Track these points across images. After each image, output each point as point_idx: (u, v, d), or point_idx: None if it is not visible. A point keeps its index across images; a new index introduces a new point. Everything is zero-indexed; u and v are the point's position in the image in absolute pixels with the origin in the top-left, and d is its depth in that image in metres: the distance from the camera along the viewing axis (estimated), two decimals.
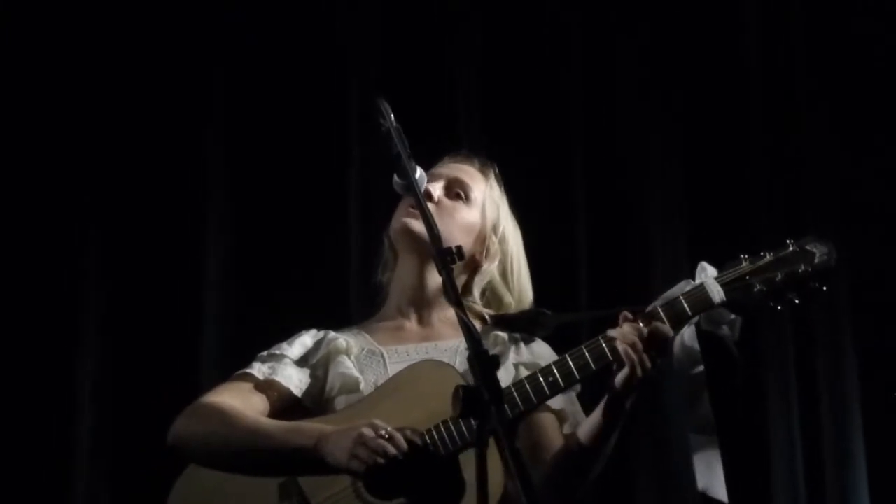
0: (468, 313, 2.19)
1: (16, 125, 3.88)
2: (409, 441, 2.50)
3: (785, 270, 2.61)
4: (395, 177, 2.50)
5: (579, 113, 3.97)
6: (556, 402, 2.72)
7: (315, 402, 2.77)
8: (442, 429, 2.54)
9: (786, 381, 3.74)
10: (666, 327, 2.56)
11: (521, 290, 2.91)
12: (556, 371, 2.58)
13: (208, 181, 3.93)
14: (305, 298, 3.68)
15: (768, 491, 3.67)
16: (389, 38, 4.00)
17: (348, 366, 2.77)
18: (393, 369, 2.76)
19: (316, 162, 3.91)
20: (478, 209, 2.89)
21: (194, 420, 2.68)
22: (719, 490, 2.66)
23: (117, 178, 3.90)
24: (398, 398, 2.64)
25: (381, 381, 2.74)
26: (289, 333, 2.88)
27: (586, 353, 2.58)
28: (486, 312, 2.86)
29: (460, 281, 2.82)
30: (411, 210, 2.81)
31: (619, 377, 2.55)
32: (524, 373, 2.70)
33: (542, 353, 2.82)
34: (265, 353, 2.83)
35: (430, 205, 2.74)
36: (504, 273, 2.89)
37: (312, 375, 2.79)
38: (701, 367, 2.68)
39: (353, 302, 3.71)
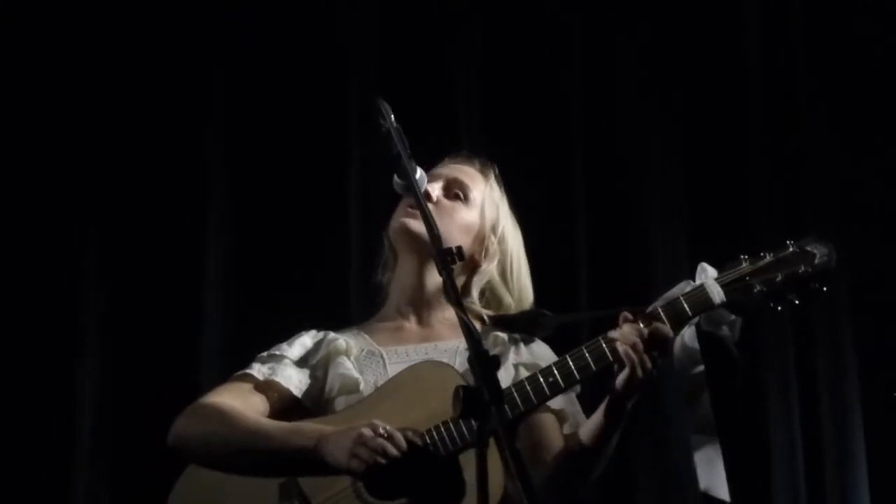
0: (468, 314, 2.20)
1: (16, 125, 3.88)
2: (409, 441, 2.50)
3: (785, 271, 2.61)
4: (396, 177, 2.50)
5: (579, 113, 3.97)
6: (556, 403, 2.72)
7: (315, 403, 2.77)
8: (442, 429, 2.54)
9: (786, 381, 3.74)
10: (666, 328, 2.56)
11: (521, 291, 2.91)
12: (556, 371, 2.58)
13: (208, 181, 3.93)
14: (305, 299, 3.68)
15: (769, 491, 3.67)
16: (389, 38, 4.00)
17: (348, 366, 2.77)
18: (392, 370, 2.76)
19: (316, 162, 3.91)
20: (477, 209, 2.89)
21: (194, 420, 2.68)
22: (721, 490, 2.66)
23: (117, 179, 3.90)
24: (398, 399, 2.64)
25: (380, 382, 2.74)
26: (289, 334, 2.88)
27: (586, 354, 2.58)
28: (485, 313, 2.86)
29: (459, 281, 2.82)
30: (410, 210, 2.81)
31: (620, 378, 2.56)
32: (524, 373, 2.70)
33: (541, 353, 2.82)
34: (265, 353, 2.83)
35: (429, 205, 2.74)
36: (503, 273, 2.89)
37: (312, 376, 2.79)
38: (701, 368, 2.68)
39: (353, 302, 3.71)
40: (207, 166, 3.94)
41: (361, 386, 2.75)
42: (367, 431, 2.47)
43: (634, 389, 2.56)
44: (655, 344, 2.54)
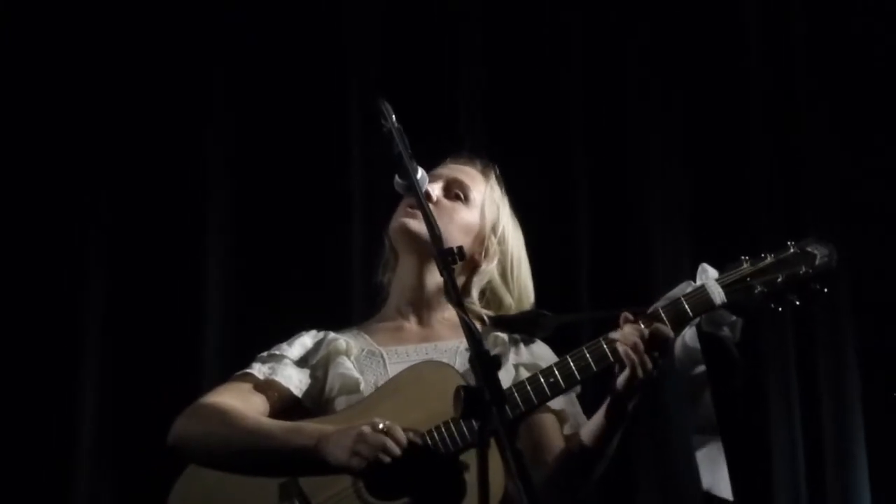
0: (468, 314, 2.20)
1: (16, 125, 3.87)
2: (409, 441, 2.50)
3: (786, 272, 2.62)
4: (397, 177, 2.50)
5: (579, 113, 3.97)
6: (556, 404, 2.73)
7: (315, 403, 2.77)
8: (443, 429, 2.54)
9: (787, 381, 3.74)
10: (667, 328, 2.56)
11: (522, 291, 2.91)
12: (556, 372, 2.58)
13: (208, 181, 3.93)
14: (306, 299, 3.68)
15: (770, 491, 3.67)
16: (389, 38, 4.00)
17: (348, 366, 2.77)
18: (393, 370, 2.76)
19: (316, 162, 3.91)
20: (477, 210, 2.89)
21: (194, 420, 2.68)
22: (724, 489, 2.66)
23: (117, 179, 3.90)
24: (398, 399, 2.64)
25: (380, 382, 2.74)
26: (289, 334, 2.88)
27: (587, 355, 2.58)
28: (486, 313, 2.86)
29: (459, 281, 2.82)
30: (410, 210, 2.82)
31: (621, 378, 2.56)
32: (524, 374, 2.71)
33: (541, 354, 2.82)
34: (265, 353, 2.84)
35: (429, 205, 2.74)
36: (504, 273, 2.89)
37: (312, 376, 2.79)
38: (703, 368, 2.69)
39: (354, 302, 3.70)
40: (207, 166, 3.94)
41: (362, 386, 2.75)
42: (367, 429, 2.48)
43: (635, 390, 2.56)
44: (656, 344, 2.55)
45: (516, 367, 2.77)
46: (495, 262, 2.88)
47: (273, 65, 3.96)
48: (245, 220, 3.90)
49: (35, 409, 3.72)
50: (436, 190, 2.86)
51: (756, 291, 2.61)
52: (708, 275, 2.65)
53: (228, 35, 3.98)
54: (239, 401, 2.71)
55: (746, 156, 3.92)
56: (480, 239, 2.87)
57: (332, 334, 2.86)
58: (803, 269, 2.62)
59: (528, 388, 2.57)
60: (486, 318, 2.84)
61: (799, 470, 3.68)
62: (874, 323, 3.74)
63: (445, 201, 2.87)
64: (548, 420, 2.75)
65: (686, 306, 2.60)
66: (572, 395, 2.80)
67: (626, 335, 2.55)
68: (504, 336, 2.81)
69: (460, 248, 2.29)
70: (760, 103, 3.95)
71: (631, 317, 2.58)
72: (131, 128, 3.92)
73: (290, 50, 3.97)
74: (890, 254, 3.74)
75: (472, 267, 2.87)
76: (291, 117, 3.93)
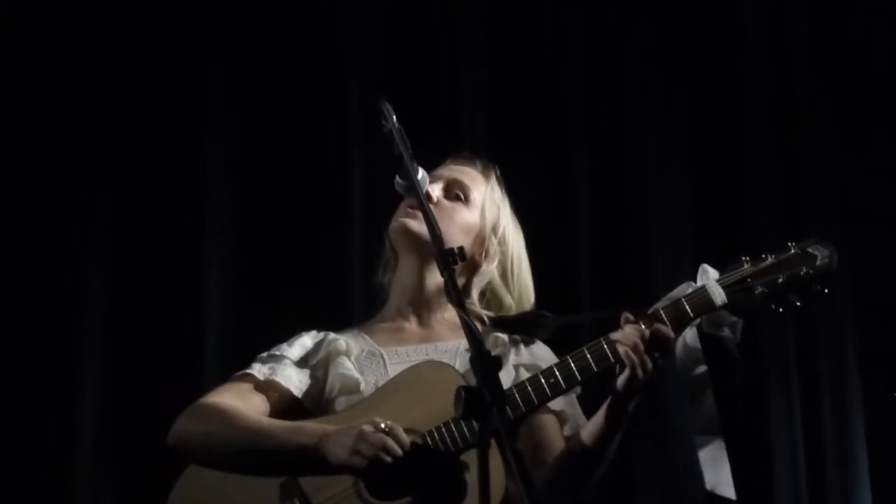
0: (469, 314, 2.20)
1: (16, 125, 3.87)
2: (410, 441, 2.50)
3: (786, 273, 2.62)
4: (397, 177, 2.50)
5: (580, 113, 3.97)
6: (556, 404, 2.73)
7: (315, 403, 2.77)
8: (443, 430, 2.54)
9: (788, 382, 3.74)
10: (667, 329, 2.56)
11: (522, 292, 2.91)
12: (557, 372, 2.58)
13: (208, 181, 3.93)
14: (306, 299, 3.68)
15: (770, 491, 3.68)
16: (389, 38, 3.99)
17: (348, 367, 2.77)
18: (393, 370, 2.76)
19: (317, 162, 3.91)
20: (477, 210, 2.89)
21: (194, 420, 2.68)
22: (727, 489, 2.66)
23: (117, 179, 3.90)
24: (399, 399, 2.64)
25: (381, 382, 2.74)
26: (290, 334, 2.88)
27: (588, 355, 2.58)
28: (486, 314, 2.86)
29: (459, 282, 2.79)
30: (410, 210, 2.82)
31: (621, 379, 2.56)
32: (524, 374, 2.71)
33: (542, 355, 2.82)
34: (265, 354, 2.84)
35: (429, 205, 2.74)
36: (504, 274, 2.89)
37: (312, 376, 2.79)
38: (704, 368, 2.69)
39: (354, 303, 3.70)
40: (207, 166, 3.94)
41: (362, 386, 2.75)
42: (368, 428, 2.48)
43: (636, 390, 2.56)
44: (657, 345, 2.54)
45: (516, 367, 2.77)
46: (496, 262, 2.87)
47: (273, 65, 3.96)
48: (245, 221, 3.90)
49: (35, 410, 3.72)
50: (436, 190, 2.86)
51: (757, 292, 2.61)
52: (708, 275, 2.66)
53: (228, 35, 3.97)
54: (239, 401, 2.71)
55: (746, 156, 3.92)
56: (481, 240, 2.87)
57: (332, 335, 2.86)
58: (804, 270, 2.62)
59: (529, 388, 2.57)
60: (486, 318, 2.84)
61: (800, 470, 3.68)
62: (874, 323, 3.74)
63: (446, 202, 2.87)
64: (548, 421, 2.75)
65: (687, 307, 2.60)
66: (572, 396, 2.80)
67: (627, 335, 2.55)
68: (504, 337, 2.81)
69: (461, 249, 2.29)
70: (760, 103, 3.95)
71: (632, 317, 2.58)
72: (131, 128, 3.91)
73: (290, 50, 3.97)
74: (890, 254, 3.74)
75: (473, 267, 2.86)
76: (291, 117, 3.93)
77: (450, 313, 2.85)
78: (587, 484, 2.68)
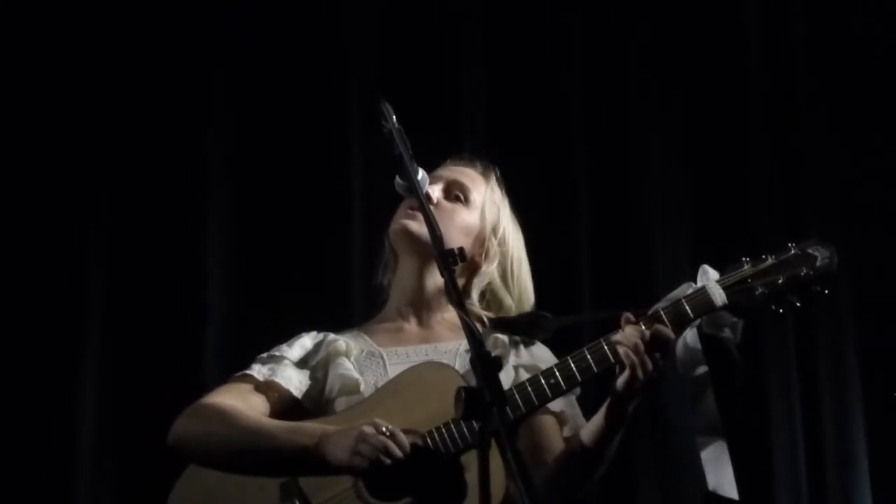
0: (469, 315, 2.20)
1: (16, 125, 3.87)
2: (410, 442, 2.50)
3: (786, 273, 2.62)
4: (397, 178, 2.50)
5: (579, 113, 3.97)
6: (556, 405, 2.73)
7: (315, 404, 2.77)
8: (444, 430, 2.54)
9: (788, 382, 3.74)
10: (668, 329, 2.56)
11: (522, 293, 2.91)
12: (557, 373, 2.58)
13: (208, 181, 3.93)
14: (306, 299, 3.68)
15: (771, 492, 3.67)
16: (389, 38, 3.99)
17: (348, 367, 2.77)
18: (393, 371, 2.76)
19: (316, 162, 3.91)
20: (477, 211, 2.89)
21: (194, 420, 2.68)
22: (730, 489, 2.66)
23: (117, 178, 3.90)
24: (399, 400, 2.64)
25: (380, 383, 2.74)
26: (290, 334, 2.88)
27: (588, 356, 2.58)
28: (486, 315, 2.86)
29: (459, 283, 2.79)
30: (410, 211, 2.82)
31: (621, 379, 2.56)
32: (524, 375, 2.71)
33: (541, 356, 2.82)
34: (265, 354, 2.84)
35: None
36: (504, 275, 2.89)
37: (312, 377, 2.79)
38: (705, 368, 2.69)
39: (354, 303, 3.70)
40: (207, 166, 3.94)
41: (362, 387, 2.75)
42: (369, 429, 2.48)
43: (636, 391, 2.56)
44: (657, 345, 2.54)
45: (516, 368, 2.77)
46: (495, 263, 2.87)
47: (273, 65, 3.96)
48: (245, 220, 3.90)
49: (35, 409, 3.72)
50: (436, 191, 2.86)
51: (757, 293, 2.61)
52: (709, 276, 2.66)
53: (228, 35, 3.97)
54: (239, 401, 2.72)
55: (746, 156, 3.92)
56: (481, 240, 2.87)
57: (331, 335, 2.86)
58: (804, 271, 2.62)
59: (529, 388, 2.57)
60: (486, 319, 2.84)
61: (800, 470, 3.68)
62: (875, 323, 3.74)
63: (446, 203, 2.87)
64: (548, 422, 2.76)
65: (687, 307, 2.60)
66: (572, 398, 2.80)
67: (627, 336, 2.55)
68: (504, 338, 2.81)
69: (461, 249, 2.29)
70: (760, 103, 3.95)
71: (632, 318, 2.58)
72: (131, 128, 3.91)
73: (290, 50, 3.96)
74: (890, 254, 3.73)
75: (473, 268, 2.87)
76: (291, 117, 3.93)
77: (449, 314, 2.85)
78: (587, 484, 2.68)
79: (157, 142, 3.91)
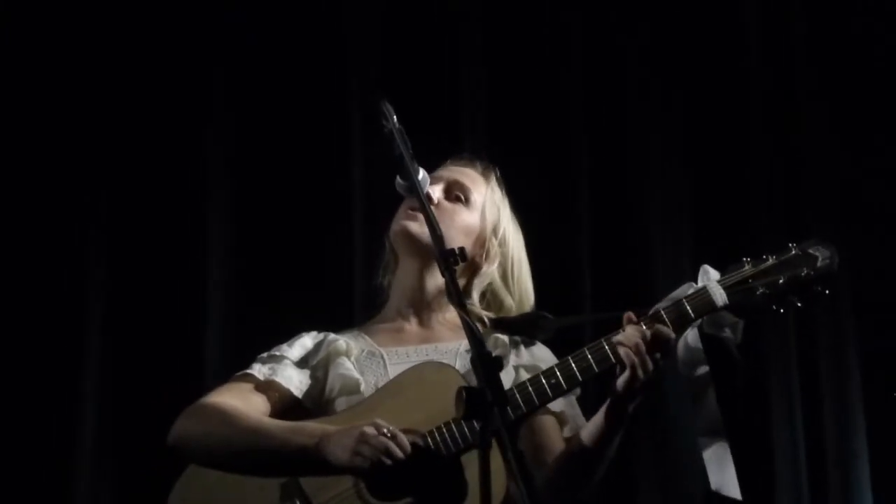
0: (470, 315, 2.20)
1: (16, 125, 3.87)
2: (411, 442, 2.50)
3: (787, 274, 2.62)
4: (398, 178, 2.50)
5: (580, 113, 3.97)
6: (556, 405, 2.73)
7: (315, 404, 2.77)
8: (444, 430, 2.54)
9: (789, 382, 3.75)
10: (668, 330, 2.56)
11: (522, 293, 2.91)
12: (558, 373, 2.58)
13: (208, 181, 3.93)
14: (307, 299, 3.68)
15: (772, 492, 3.68)
16: (389, 38, 3.99)
17: (348, 367, 2.77)
18: (393, 371, 2.76)
19: (316, 162, 3.91)
20: (477, 212, 2.89)
21: (194, 420, 2.68)
22: (733, 489, 2.66)
23: (118, 179, 3.90)
24: (399, 399, 2.64)
25: (381, 383, 2.74)
26: (290, 334, 2.89)
27: (589, 356, 2.58)
28: (486, 315, 2.86)
29: (460, 283, 2.79)
30: (410, 212, 2.82)
31: (622, 380, 2.56)
32: (524, 376, 2.71)
33: (542, 356, 2.82)
34: (265, 354, 2.84)
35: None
36: (504, 275, 2.89)
37: (313, 377, 2.79)
38: (706, 368, 2.69)
39: (355, 303, 3.70)
40: (207, 166, 3.93)
41: (362, 387, 2.75)
42: (370, 430, 2.48)
43: (636, 391, 2.56)
44: (658, 345, 2.54)
45: (516, 368, 2.77)
46: (496, 263, 2.88)
47: (273, 65, 3.95)
48: (245, 220, 3.89)
49: (35, 410, 3.72)
50: (436, 192, 2.86)
51: (758, 293, 2.61)
52: (709, 276, 2.66)
53: (228, 35, 3.97)
54: (239, 401, 2.72)
55: (746, 156, 3.92)
56: (481, 241, 2.88)
57: (332, 335, 2.86)
58: (805, 271, 2.62)
59: (530, 388, 2.57)
60: (486, 319, 2.84)
61: (801, 470, 3.68)
62: (875, 324, 3.74)
63: (446, 203, 2.87)
64: (548, 422, 2.76)
65: (688, 308, 2.60)
66: (572, 398, 2.80)
67: (628, 336, 2.55)
68: (504, 338, 2.82)
69: (462, 249, 2.29)
70: (760, 103, 3.95)
71: (633, 318, 2.58)
72: (131, 128, 3.91)
73: (290, 50, 3.96)
74: (890, 254, 3.74)
75: (473, 269, 2.87)
76: (291, 117, 3.93)
77: (450, 314, 2.86)
78: (587, 484, 2.68)
79: (157, 142, 3.91)
